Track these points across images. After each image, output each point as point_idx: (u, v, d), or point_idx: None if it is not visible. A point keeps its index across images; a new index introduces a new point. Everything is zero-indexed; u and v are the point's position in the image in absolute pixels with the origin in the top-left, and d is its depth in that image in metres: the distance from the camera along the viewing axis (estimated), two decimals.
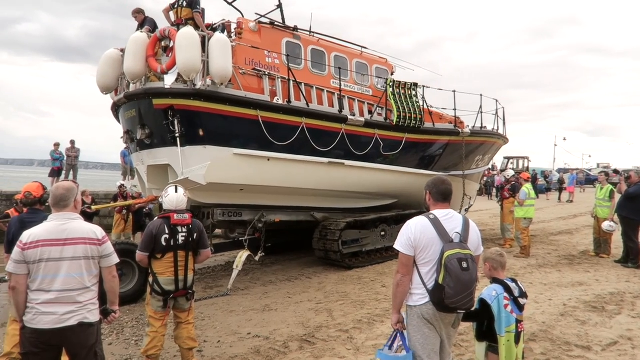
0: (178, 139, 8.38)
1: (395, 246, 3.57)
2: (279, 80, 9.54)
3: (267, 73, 9.46)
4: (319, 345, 5.99)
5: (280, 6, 10.76)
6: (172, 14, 9.11)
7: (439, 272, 3.35)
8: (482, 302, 3.94)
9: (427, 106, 12.04)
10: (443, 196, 3.66)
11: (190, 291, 5.15)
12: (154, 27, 9.38)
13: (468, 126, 13.40)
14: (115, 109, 9.93)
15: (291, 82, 9.52)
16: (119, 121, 10.22)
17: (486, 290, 4.00)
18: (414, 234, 3.45)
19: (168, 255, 5.00)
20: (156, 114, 8.61)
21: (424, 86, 11.91)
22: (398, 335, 3.68)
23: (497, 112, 14.43)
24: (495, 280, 4.07)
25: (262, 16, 10.71)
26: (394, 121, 11.00)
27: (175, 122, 8.37)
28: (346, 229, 10.40)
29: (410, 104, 11.32)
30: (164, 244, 4.96)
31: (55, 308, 3.47)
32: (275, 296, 8.57)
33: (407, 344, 3.58)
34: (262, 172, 9.20)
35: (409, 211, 11.78)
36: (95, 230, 3.73)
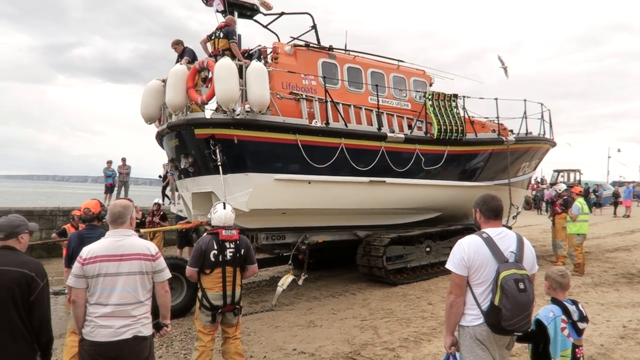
0: (220, 167, 8.54)
1: (447, 266, 3.48)
2: (317, 102, 9.57)
3: (304, 96, 9.51)
4: None
5: (314, 27, 10.80)
6: (209, 45, 9.31)
7: (494, 293, 3.25)
8: (539, 323, 3.75)
9: (468, 116, 11.78)
10: (494, 213, 3.55)
11: (237, 306, 5.20)
12: (192, 57, 9.62)
13: (512, 132, 13.02)
14: (159, 137, 10.24)
15: (328, 103, 9.53)
16: (163, 148, 10.53)
17: (543, 311, 3.79)
18: (467, 254, 3.35)
19: (216, 271, 5.06)
20: (198, 143, 8.82)
21: (464, 96, 11.66)
22: (451, 358, 3.58)
23: (542, 116, 13.95)
24: (554, 301, 3.86)
25: (295, 38, 10.79)
26: (435, 135, 10.81)
27: (217, 151, 8.54)
28: (390, 245, 10.27)
29: (450, 116, 11.11)
30: (212, 259, 5.03)
31: (112, 321, 3.58)
32: (319, 312, 8.54)
33: None
34: (303, 196, 9.25)
35: (455, 227, 11.53)
36: (149, 247, 3.84)
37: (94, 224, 5.55)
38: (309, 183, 9.26)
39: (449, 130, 10.95)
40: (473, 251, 3.35)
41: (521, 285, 3.19)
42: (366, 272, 10.63)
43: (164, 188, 19.05)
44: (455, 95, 11.40)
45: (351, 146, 9.62)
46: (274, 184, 8.88)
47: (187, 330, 7.60)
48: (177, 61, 9.73)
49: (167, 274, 3.93)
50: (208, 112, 8.90)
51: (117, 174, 19.24)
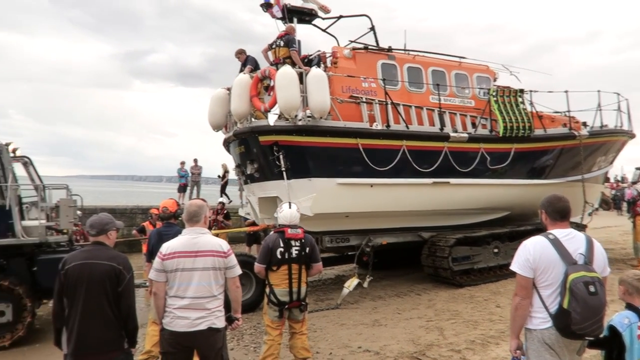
0: (284, 173, 8.78)
1: (512, 267, 3.39)
2: (377, 104, 9.59)
3: (364, 100, 9.55)
4: None
5: (373, 29, 10.79)
6: (270, 54, 9.58)
7: (562, 295, 3.15)
8: (612, 329, 3.56)
9: (536, 111, 11.31)
10: (560, 214, 3.43)
11: (303, 303, 5.33)
12: (255, 65, 9.94)
13: (586, 126, 12.35)
14: (226, 144, 10.67)
15: (389, 105, 9.51)
16: (230, 154, 10.95)
17: (617, 317, 3.60)
18: (533, 255, 3.26)
19: (283, 268, 5.20)
20: (263, 150, 9.11)
21: (530, 91, 11.21)
22: None
23: (619, 107, 13.11)
24: (629, 307, 3.66)
25: (353, 41, 10.82)
26: (500, 132, 10.49)
27: (280, 157, 8.79)
28: (456, 245, 10.11)
29: (517, 112, 10.73)
30: (279, 256, 5.18)
31: (189, 313, 3.83)
32: (384, 311, 8.55)
33: None
34: (366, 199, 9.31)
35: (524, 227, 11.12)
36: (221, 244, 4.06)
37: (171, 222, 5.96)
38: (372, 186, 9.30)
39: (515, 127, 10.58)
40: (539, 252, 3.27)
41: (592, 288, 3.08)
42: (431, 272, 10.53)
43: (223, 187, 19.78)
44: (522, 90, 10.99)
45: (413, 148, 9.56)
46: (337, 188, 9.00)
47: (256, 324, 7.83)
48: (241, 69, 10.09)
49: (238, 271, 4.13)
50: (271, 119, 9.19)
51: (190, 174, 19.93)
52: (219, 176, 19.77)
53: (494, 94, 10.71)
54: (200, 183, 20.55)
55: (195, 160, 20.19)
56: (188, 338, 3.84)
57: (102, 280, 3.54)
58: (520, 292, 3.36)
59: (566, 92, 11.82)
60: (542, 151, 11.41)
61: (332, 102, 9.19)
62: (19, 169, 8.32)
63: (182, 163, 19.89)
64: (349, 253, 10.84)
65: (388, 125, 9.45)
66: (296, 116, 8.64)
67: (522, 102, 10.97)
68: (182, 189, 19.78)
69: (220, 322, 3.97)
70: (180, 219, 4.96)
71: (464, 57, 11.53)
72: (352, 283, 9.12)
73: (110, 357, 3.57)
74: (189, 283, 3.85)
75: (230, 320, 4.19)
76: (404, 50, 11.04)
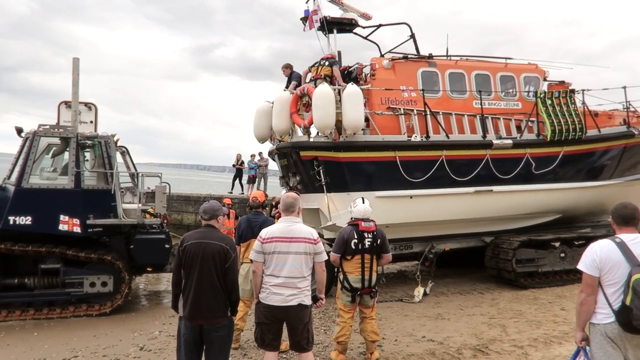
0: (324, 187, 9.11)
1: (578, 266, 3.69)
2: (415, 115, 9.62)
3: (402, 112, 9.60)
4: (492, 357, 6.15)
5: (413, 36, 10.70)
6: (309, 75, 9.83)
7: (625, 294, 3.44)
8: None
9: (588, 109, 10.83)
10: (624, 220, 3.71)
11: (373, 289, 5.92)
12: (299, 81, 10.24)
13: None
14: (272, 155, 11.12)
15: (427, 115, 9.52)
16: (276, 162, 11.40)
17: None
18: (599, 256, 3.56)
19: (356, 257, 5.78)
20: (304, 164, 9.47)
21: (583, 90, 10.74)
22: (581, 352, 3.78)
23: None
24: None
25: (389, 51, 10.77)
26: (548, 137, 10.18)
27: (320, 171, 9.11)
28: (520, 248, 10.04)
29: (567, 114, 10.34)
30: (353, 247, 5.75)
31: (282, 290, 4.41)
32: (447, 307, 8.78)
33: None
34: (405, 210, 9.44)
35: (593, 233, 10.79)
36: (312, 232, 4.63)
37: (259, 211, 6.63)
38: (411, 198, 9.42)
39: (564, 130, 10.22)
40: (605, 254, 3.55)
41: None
42: (495, 274, 10.54)
43: (235, 178, 20.30)
44: (572, 91, 10.55)
45: (453, 157, 9.54)
46: (376, 201, 9.17)
47: (324, 309, 8.26)
48: (287, 84, 10.44)
49: (324, 256, 4.70)
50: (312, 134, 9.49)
51: (258, 167, 20.21)
52: (233, 165, 20.50)
53: (541, 96, 10.36)
54: (267, 175, 20.90)
55: (260, 153, 20.37)
56: (281, 311, 4.42)
57: (213, 257, 4.16)
58: (585, 289, 3.66)
59: (624, 87, 11.20)
60: (596, 152, 10.94)
61: (370, 116, 9.34)
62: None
63: (253, 155, 20.30)
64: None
65: (428, 137, 9.48)
66: (332, 132, 8.88)
67: (573, 103, 10.53)
68: (251, 180, 20.28)
69: (308, 300, 4.55)
70: (266, 208, 5.66)
71: (510, 58, 11.18)
72: (419, 293, 9.36)
73: (218, 321, 4.19)
74: (284, 264, 4.43)
75: (315, 299, 4.77)
76: (446, 56, 10.88)
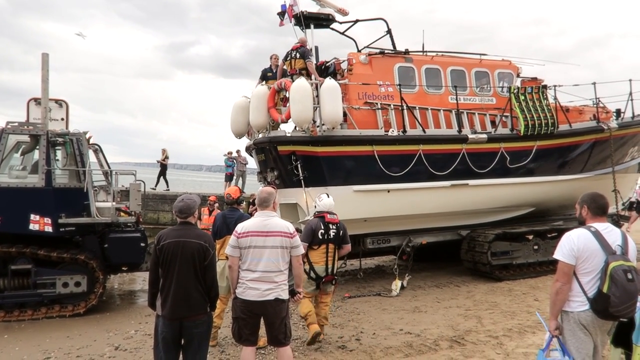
0: (302, 181, 9.08)
1: (555, 256, 3.75)
2: (392, 110, 9.66)
3: (379, 106, 9.64)
4: (468, 347, 6.27)
5: (389, 32, 10.75)
6: (286, 65, 9.75)
7: (602, 281, 3.52)
8: None
9: (560, 105, 11.07)
10: (602, 210, 3.81)
11: (335, 277, 6.36)
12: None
13: (621, 113, 12.01)
14: (249, 150, 11.03)
15: (404, 110, 9.57)
16: (253, 158, 11.31)
17: None
18: (577, 245, 3.62)
19: (322, 247, 6.13)
20: (282, 159, 9.41)
21: (555, 86, 10.98)
22: (554, 340, 3.85)
23: None
24: None
25: (367, 46, 10.82)
26: (522, 131, 10.37)
27: (298, 166, 9.07)
28: (495, 241, 10.20)
29: (539, 109, 10.55)
30: (320, 237, 6.11)
31: (259, 285, 4.40)
32: (424, 300, 8.90)
33: (565, 348, 3.75)
34: (383, 204, 9.49)
35: (565, 225, 10.98)
36: (288, 226, 4.62)
37: (234, 207, 6.58)
38: (388, 192, 9.47)
39: (537, 125, 10.43)
40: (583, 243, 3.62)
41: (629, 276, 3.48)
42: (470, 267, 10.69)
43: (160, 174, 19.85)
44: (545, 87, 10.76)
45: (430, 152, 9.62)
46: (353, 195, 9.22)
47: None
48: (269, 74, 10.34)
49: (301, 250, 4.76)
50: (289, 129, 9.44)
51: (235, 164, 20.05)
52: (157, 161, 20.02)
53: (514, 92, 10.54)
54: (247, 174, 20.69)
55: (238, 151, 20.13)
56: (258, 306, 4.43)
57: (193, 255, 4.13)
58: (561, 278, 3.72)
59: (594, 84, 11.50)
60: (568, 146, 11.19)
61: (347, 110, 9.34)
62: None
63: (229, 153, 20.17)
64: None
65: (405, 131, 9.54)
66: (311, 125, 8.85)
67: (546, 99, 10.75)
68: (228, 178, 20.17)
69: (285, 294, 4.57)
70: (241, 204, 6.17)
71: (484, 54, 11.33)
72: (397, 287, 9.46)
73: (198, 318, 4.17)
74: (260, 259, 4.43)
75: (292, 293, 4.79)
76: (422, 52, 10.97)
